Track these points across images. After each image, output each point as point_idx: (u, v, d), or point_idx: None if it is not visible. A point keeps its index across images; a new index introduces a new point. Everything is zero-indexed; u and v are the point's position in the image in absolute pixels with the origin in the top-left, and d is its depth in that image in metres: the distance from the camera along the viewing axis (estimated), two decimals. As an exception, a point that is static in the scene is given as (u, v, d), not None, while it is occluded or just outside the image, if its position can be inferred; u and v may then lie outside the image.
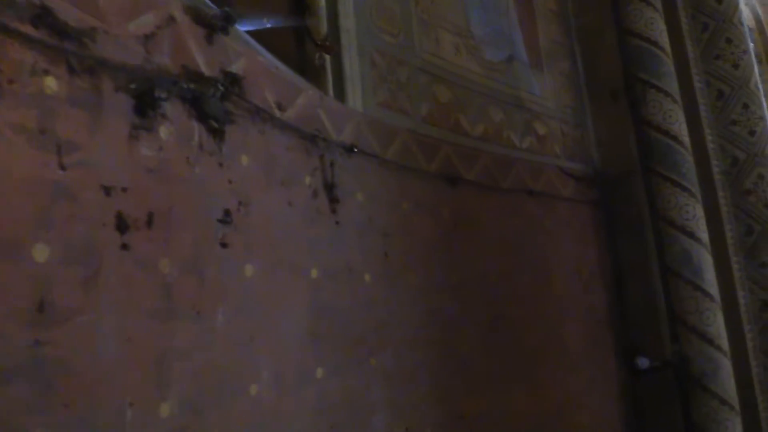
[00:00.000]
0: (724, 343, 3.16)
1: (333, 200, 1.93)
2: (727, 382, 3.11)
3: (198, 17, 1.51)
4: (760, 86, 3.64)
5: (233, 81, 1.57)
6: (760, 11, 5.75)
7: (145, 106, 1.33)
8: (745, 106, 3.56)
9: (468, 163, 2.63)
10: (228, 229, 1.51)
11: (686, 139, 3.37)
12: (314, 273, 1.81)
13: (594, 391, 3.08)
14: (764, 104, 3.62)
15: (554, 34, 3.57)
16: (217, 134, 1.52)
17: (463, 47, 2.84)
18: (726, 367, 3.12)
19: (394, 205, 2.24)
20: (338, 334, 1.85)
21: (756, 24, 5.70)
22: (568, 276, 3.09)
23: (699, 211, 3.28)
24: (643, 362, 3.23)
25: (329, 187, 1.91)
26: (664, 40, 3.46)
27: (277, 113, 1.74)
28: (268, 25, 2.17)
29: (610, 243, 3.40)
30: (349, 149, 2.03)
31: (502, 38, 3.16)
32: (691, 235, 3.23)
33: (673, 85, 3.43)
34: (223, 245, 1.49)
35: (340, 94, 2.19)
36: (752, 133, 3.53)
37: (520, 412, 2.54)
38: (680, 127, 3.36)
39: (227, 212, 1.51)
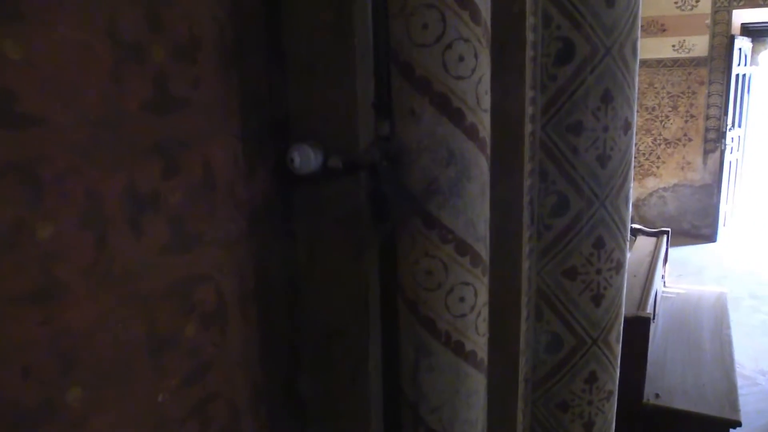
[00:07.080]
0: (486, 121, 1.36)
1: None
2: (478, 206, 1.38)
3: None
4: None
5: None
6: None
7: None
8: None
9: None
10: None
11: None
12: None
13: (188, 231, 1.11)
14: None
15: None
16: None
17: None
18: (482, 173, 1.37)
19: None
20: None
21: None
22: None
23: None
24: (306, 158, 1.31)
25: None
26: None
27: None
28: None
29: None
30: None
31: None
32: None
33: None
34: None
35: None
36: None
37: None
38: None
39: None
